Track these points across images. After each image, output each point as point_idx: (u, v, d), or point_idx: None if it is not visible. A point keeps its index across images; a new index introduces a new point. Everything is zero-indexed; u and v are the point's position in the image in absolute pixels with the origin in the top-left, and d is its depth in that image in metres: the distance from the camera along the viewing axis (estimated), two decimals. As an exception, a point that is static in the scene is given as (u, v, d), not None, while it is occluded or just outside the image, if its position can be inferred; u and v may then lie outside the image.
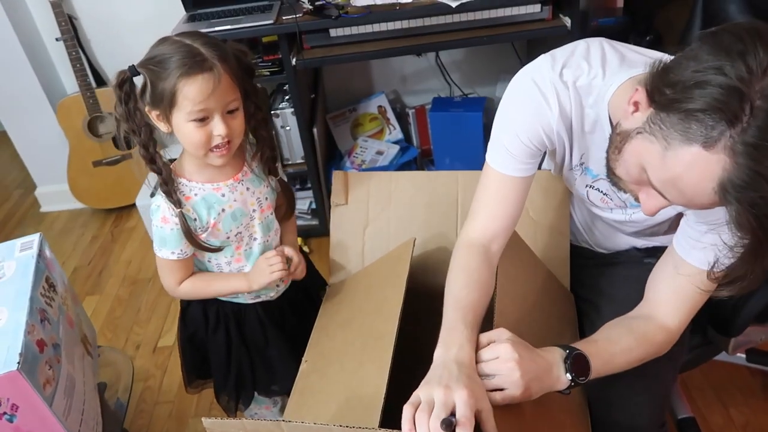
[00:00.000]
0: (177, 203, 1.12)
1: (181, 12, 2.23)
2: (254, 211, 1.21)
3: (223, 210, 1.17)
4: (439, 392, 0.80)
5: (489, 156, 1.07)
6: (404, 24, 2.11)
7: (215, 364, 1.35)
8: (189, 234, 1.14)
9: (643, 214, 0.90)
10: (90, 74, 2.58)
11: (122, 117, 1.07)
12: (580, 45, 1.04)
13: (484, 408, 0.81)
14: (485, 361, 0.88)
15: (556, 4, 2.11)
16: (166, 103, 1.03)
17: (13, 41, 2.52)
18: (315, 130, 2.34)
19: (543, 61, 1.03)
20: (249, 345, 1.33)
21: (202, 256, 1.23)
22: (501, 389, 0.86)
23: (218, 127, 1.06)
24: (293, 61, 2.12)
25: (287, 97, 2.32)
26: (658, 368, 1.03)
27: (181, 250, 1.17)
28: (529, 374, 0.86)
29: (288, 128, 2.32)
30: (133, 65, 1.06)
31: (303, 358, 1.19)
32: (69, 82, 2.73)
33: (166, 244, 1.15)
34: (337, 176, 1.37)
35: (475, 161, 2.57)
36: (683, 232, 0.99)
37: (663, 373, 1.09)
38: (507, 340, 0.88)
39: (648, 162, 0.79)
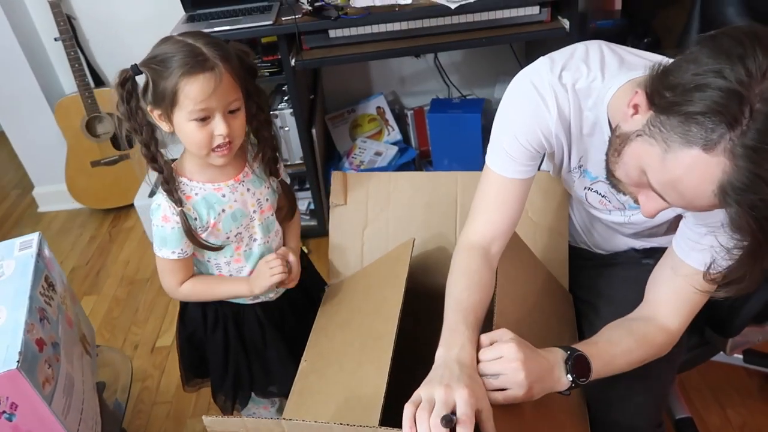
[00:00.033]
0: (178, 202, 1.12)
1: (180, 12, 2.23)
2: (254, 212, 1.21)
3: (223, 210, 1.17)
4: (440, 391, 0.80)
5: (488, 158, 1.08)
6: (403, 25, 2.11)
7: (213, 364, 1.35)
8: (190, 232, 1.14)
9: (641, 216, 0.90)
10: (88, 74, 2.57)
11: (124, 116, 1.08)
12: (579, 48, 1.04)
13: (484, 408, 0.81)
14: (489, 360, 0.88)
15: (554, 6, 2.12)
16: (168, 102, 1.03)
17: (12, 41, 2.52)
18: (314, 131, 2.34)
19: (542, 63, 1.03)
20: (247, 346, 1.33)
21: (201, 255, 1.23)
22: (503, 389, 0.87)
23: (219, 127, 1.06)
24: (292, 62, 2.13)
25: (286, 98, 2.32)
26: (657, 369, 1.03)
27: (182, 250, 1.17)
28: (532, 375, 0.86)
29: (287, 129, 2.32)
30: (135, 64, 1.06)
31: (302, 358, 1.19)
32: (67, 82, 2.73)
33: (167, 243, 1.15)
34: (336, 177, 1.37)
35: (474, 163, 2.58)
36: (682, 234, 0.99)
37: (662, 373, 1.09)
38: (511, 339, 0.88)
39: (648, 164, 0.79)
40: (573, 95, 0.99)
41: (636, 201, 0.89)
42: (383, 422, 0.85)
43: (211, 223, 1.16)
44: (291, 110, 2.28)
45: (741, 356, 1.64)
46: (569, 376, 0.91)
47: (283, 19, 2.09)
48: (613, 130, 0.93)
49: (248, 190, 1.20)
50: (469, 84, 2.78)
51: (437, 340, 0.92)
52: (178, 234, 1.14)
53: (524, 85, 1.03)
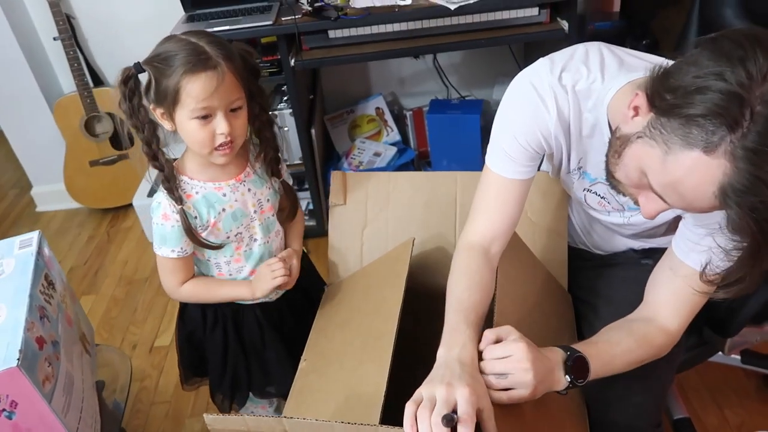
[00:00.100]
0: (178, 200, 1.13)
1: (180, 12, 2.23)
2: (255, 212, 1.21)
3: (223, 209, 1.17)
4: (441, 390, 0.81)
5: (488, 159, 1.08)
6: (403, 26, 2.12)
7: (212, 364, 1.35)
8: (190, 231, 1.14)
9: (641, 217, 0.90)
10: (87, 74, 2.57)
11: (126, 113, 1.08)
12: (578, 49, 1.05)
13: (485, 407, 0.81)
14: (496, 358, 0.88)
15: (553, 7, 2.12)
16: (170, 100, 1.04)
17: (11, 40, 2.51)
18: (313, 131, 2.35)
19: (542, 64, 1.03)
20: (246, 346, 1.33)
21: (201, 255, 1.23)
22: (508, 389, 0.87)
23: (221, 126, 1.06)
24: (292, 62, 2.13)
25: (285, 98, 2.32)
26: (656, 369, 1.04)
27: (182, 248, 1.17)
28: (539, 376, 0.86)
29: (286, 129, 2.32)
30: (138, 62, 1.06)
31: (302, 358, 1.19)
32: (66, 82, 2.73)
33: (167, 241, 1.15)
34: (335, 177, 1.37)
35: (473, 163, 2.59)
36: (682, 235, 1.00)
37: (661, 374, 1.10)
38: (520, 338, 0.88)
39: (648, 166, 0.80)
40: (573, 96, 1.00)
41: (636, 202, 0.89)
42: (384, 421, 0.85)
43: (211, 222, 1.16)
44: (290, 110, 2.28)
45: (738, 357, 1.65)
46: (568, 376, 0.91)
47: (282, 19, 2.09)
48: (613, 131, 0.93)
49: (249, 190, 1.20)
50: (468, 85, 2.79)
51: (437, 339, 0.93)
52: (177, 232, 1.14)
53: (524, 86, 1.03)
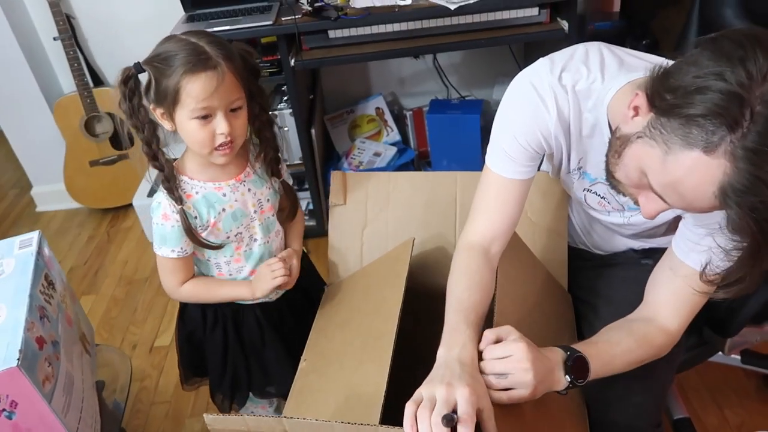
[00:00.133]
0: (178, 200, 1.13)
1: (179, 12, 2.23)
2: (255, 212, 1.21)
3: (223, 209, 1.17)
4: (441, 390, 0.81)
5: (488, 159, 1.08)
6: (403, 26, 2.12)
7: (211, 364, 1.35)
8: (190, 231, 1.14)
9: (641, 217, 0.90)
10: (87, 74, 2.57)
11: (126, 113, 1.08)
12: (578, 49, 1.05)
13: (485, 407, 0.81)
14: (496, 358, 0.88)
15: (553, 7, 2.12)
16: (170, 100, 1.04)
17: (11, 40, 2.51)
18: (313, 131, 2.35)
19: (542, 64, 1.03)
20: (246, 346, 1.33)
21: (201, 255, 1.23)
22: (508, 389, 0.87)
23: (221, 126, 1.06)
24: (292, 62, 2.13)
25: (285, 98, 2.32)
26: (656, 369, 1.04)
27: (182, 248, 1.17)
28: (539, 376, 0.86)
29: (286, 129, 2.32)
30: (138, 62, 1.06)
31: (302, 358, 1.19)
32: (66, 82, 2.73)
33: (167, 241, 1.15)
34: (335, 176, 1.37)
35: (473, 163, 2.59)
36: (682, 235, 1.00)
37: (661, 373, 1.10)
38: (520, 338, 0.88)
39: (648, 166, 0.80)
40: (573, 96, 1.00)
41: (636, 202, 0.89)
42: (384, 421, 0.85)
43: (211, 222, 1.16)
44: (290, 110, 2.28)
45: (738, 357, 1.65)
46: (568, 376, 0.91)
47: (282, 19, 2.09)
48: (613, 131, 0.93)
49: (249, 190, 1.20)
50: (468, 85, 2.79)
51: (437, 339, 0.93)
52: (178, 232, 1.14)
53: (524, 86, 1.03)
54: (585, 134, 1.03)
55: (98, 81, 2.65)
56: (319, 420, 0.84)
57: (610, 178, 0.92)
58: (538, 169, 1.12)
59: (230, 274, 1.26)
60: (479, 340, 0.91)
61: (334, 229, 1.38)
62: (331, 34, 2.12)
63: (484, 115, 2.53)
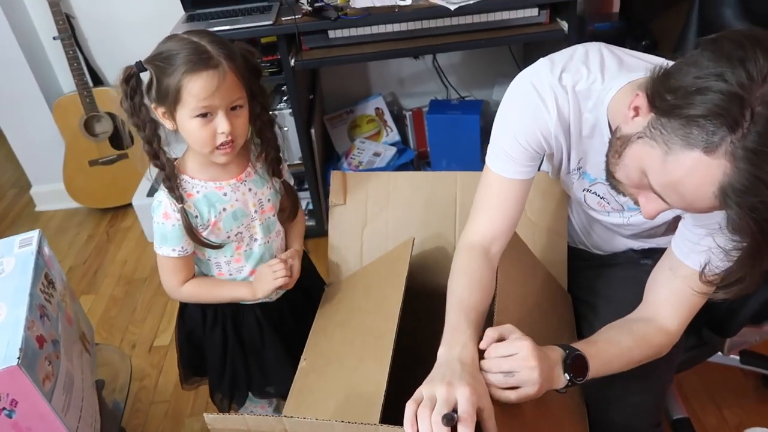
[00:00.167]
0: (179, 199, 1.13)
1: (179, 12, 2.23)
2: (255, 212, 1.21)
3: (224, 209, 1.17)
4: (441, 389, 0.81)
5: (488, 159, 1.08)
6: (402, 26, 2.12)
7: (211, 363, 1.35)
8: (190, 230, 1.14)
9: (640, 217, 0.91)
10: (87, 73, 2.57)
11: (127, 112, 1.08)
12: (578, 49, 1.05)
13: (485, 406, 0.82)
14: (501, 356, 0.88)
15: (553, 8, 2.12)
16: (171, 99, 1.04)
17: (11, 39, 2.51)
18: (313, 131, 2.35)
19: (542, 65, 1.03)
20: (245, 346, 1.33)
21: (202, 254, 1.23)
22: (514, 387, 0.87)
23: (222, 125, 1.06)
24: (292, 62, 2.13)
25: (285, 98, 2.32)
26: (656, 369, 1.04)
27: (182, 248, 1.17)
28: (544, 374, 0.87)
29: (286, 129, 2.33)
30: (140, 61, 1.07)
31: (302, 357, 1.19)
32: (66, 81, 2.73)
33: (167, 241, 1.16)
34: (335, 176, 1.37)
35: (472, 164, 2.59)
36: (682, 235, 1.00)
37: (660, 373, 1.10)
38: (525, 336, 0.89)
39: (649, 166, 0.80)
40: (573, 97, 1.00)
41: (636, 202, 0.90)
42: (384, 420, 0.85)
43: (212, 222, 1.16)
44: (290, 110, 2.28)
45: (737, 357, 1.65)
46: (566, 375, 0.92)
47: (282, 19, 2.10)
48: (613, 132, 0.93)
49: (250, 189, 1.20)
50: (467, 85, 2.79)
51: (437, 339, 0.93)
52: (178, 231, 1.14)
53: (524, 87, 1.03)
54: (585, 134, 1.03)
55: (98, 81, 2.65)
56: (319, 419, 0.84)
57: (611, 179, 0.92)
58: (539, 169, 1.12)
59: (230, 274, 1.26)
60: (480, 340, 0.91)
61: (334, 228, 1.38)
62: (331, 34, 2.12)
63: (483, 116, 2.53)
